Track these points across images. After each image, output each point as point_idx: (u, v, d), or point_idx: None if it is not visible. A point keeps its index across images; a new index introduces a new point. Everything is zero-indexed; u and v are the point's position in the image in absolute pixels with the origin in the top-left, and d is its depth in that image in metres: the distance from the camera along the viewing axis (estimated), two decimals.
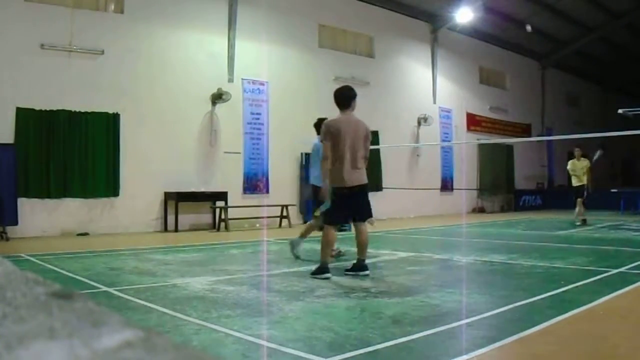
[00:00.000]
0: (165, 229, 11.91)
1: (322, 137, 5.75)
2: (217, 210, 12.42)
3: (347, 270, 5.79)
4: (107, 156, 11.34)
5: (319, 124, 6.52)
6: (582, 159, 12.29)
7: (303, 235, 7.08)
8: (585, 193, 12.11)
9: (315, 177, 6.90)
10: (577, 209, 12.19)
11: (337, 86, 16.97)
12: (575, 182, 12.33)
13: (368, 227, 5.86)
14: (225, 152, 13.04)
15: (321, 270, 5.59)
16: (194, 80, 12.52)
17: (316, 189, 6.59)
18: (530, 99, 23.04)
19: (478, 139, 19.86)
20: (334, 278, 5.58)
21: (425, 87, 18.30)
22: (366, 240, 5.76)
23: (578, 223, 12.13)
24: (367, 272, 5.66)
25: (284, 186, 13.94)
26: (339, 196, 5.63)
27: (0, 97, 10.05)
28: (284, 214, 13.15)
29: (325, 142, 5.64)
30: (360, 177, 5.70)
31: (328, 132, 5.64)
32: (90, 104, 11.08)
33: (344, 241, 8.58)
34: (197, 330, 3.53)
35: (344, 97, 5.81)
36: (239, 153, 13.32)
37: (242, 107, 13.43)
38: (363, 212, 5.77)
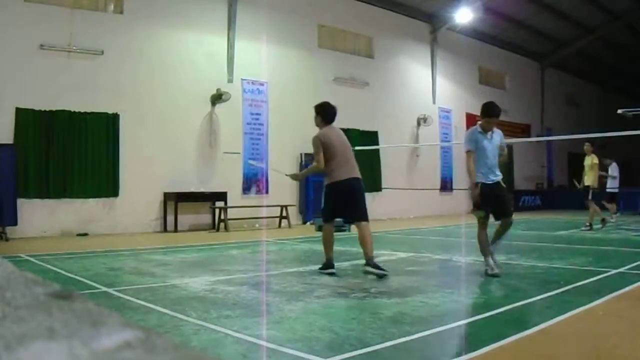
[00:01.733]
0: (165, 229, 11.91)
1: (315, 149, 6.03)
2: (217, 211, 12.42)
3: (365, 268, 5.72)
4: (107, 156, 11.34)
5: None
6: (592, 155, 11.48)
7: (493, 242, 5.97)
8: (589, 193, 11.34)
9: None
10: (590, 210, 11.39)
11: (337, 86, 16.93)
12: (585, 181, 11.61)
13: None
14: (225, 153, 13.03)
15: (326, 266, 5.88)
16: (193, 81, 12.52)
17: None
18: (529, 99, 23.05)
19: None
20: (332, 278, 5.58)
21: (424, 87, 18.31)
22: (362, 239, 5.73)
23: (597, 226, 11.27)
24: (377, 272, 5.52)
25: (283, 186, 13.91)
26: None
27: None
28: (284, 214, 13.15)
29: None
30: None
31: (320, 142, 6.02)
32: (90, 105, 11.08)
33: (346, 241, 8.59)
34: (197, 331, 3.53)
35: (332, 113, 6.25)
36: (239, 153, 13.32)
37: (242, 107, 13.43)
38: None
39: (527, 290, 4.86)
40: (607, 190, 13.38)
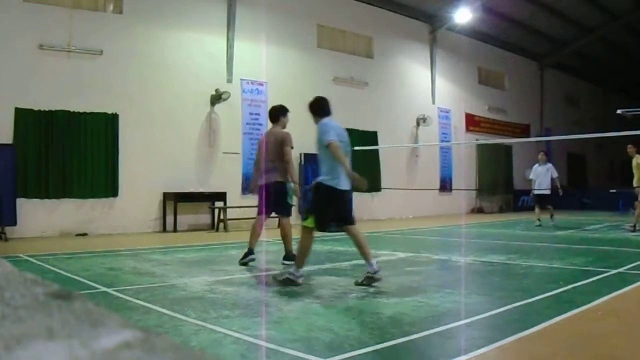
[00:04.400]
0: (164, 230, 11.90)
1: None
2: (216, 211, 12.42)
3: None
4: (106, 156, 11.33)
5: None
6: (637, 155, 11.07)
7: None
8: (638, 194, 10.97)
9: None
10: (636, 211, 11.09)
11: (336, 86, 16.92)
12: (634, 182, 11.20)
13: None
14: (224, 153, 13.03)
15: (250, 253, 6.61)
16: (192, 81, 12.51)
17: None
18: (529, 99, 23.06)
19: (477, 140, 19.87)
20: (332, 278, 5.59)
21: (424, 87, 18.31)
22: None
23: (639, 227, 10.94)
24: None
25: None
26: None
27: None
28: None
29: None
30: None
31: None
32: (89, 105, 11.08)
33: (346, 241, 8.58)
34: (196, 331, 3.53)
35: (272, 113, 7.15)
36: (238, 153, 13.31)
37: (241, 107, 13.43)
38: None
39: (526, 290, 4.86)
40: (536, 192, 12.94)
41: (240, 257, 6.64)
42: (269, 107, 13.75)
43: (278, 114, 6.99)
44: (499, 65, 21.53)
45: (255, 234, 6.66)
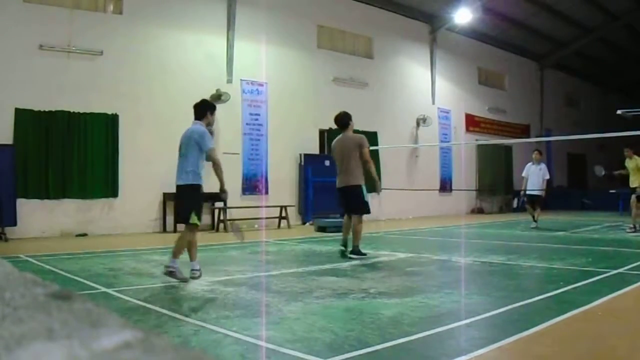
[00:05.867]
0: (164, 230, 11.90)
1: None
2: (216, 211, 12.41)
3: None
4: (106, 157, 11.33)
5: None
6: (635, 157, 11.05)
7: None
8: (633, 194, 10.95)
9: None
10: (632, 212, 11.02)
11: (336, 87, 16.91)
12: (630, 183, 11.23)
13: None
14: (224, 153, 13.00)
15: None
16: (192, 81, 12.50)
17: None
18: (529, 99, 23.06)
19: (477, 140, 19.86)
20: (332, 279, 5.59)
21: (424, 87, 18.31)
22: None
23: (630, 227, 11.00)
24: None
25: (282, 187, 13.93)
26: None
27: None
28: (283, 214, 13.15)
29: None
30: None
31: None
32: (89, 105, 11.08)
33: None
34: (196, 331, 3.53)
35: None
36: (238, 154, 13.31)
37: (241, 108, 13.42)
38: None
39: (527, 290, 4.86)
40: (528, 192, 12.62)
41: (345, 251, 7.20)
42: (269, 108, 13.93)
43: (345, 119, 7.44)
44: (499, 65, 21.52)
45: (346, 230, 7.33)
